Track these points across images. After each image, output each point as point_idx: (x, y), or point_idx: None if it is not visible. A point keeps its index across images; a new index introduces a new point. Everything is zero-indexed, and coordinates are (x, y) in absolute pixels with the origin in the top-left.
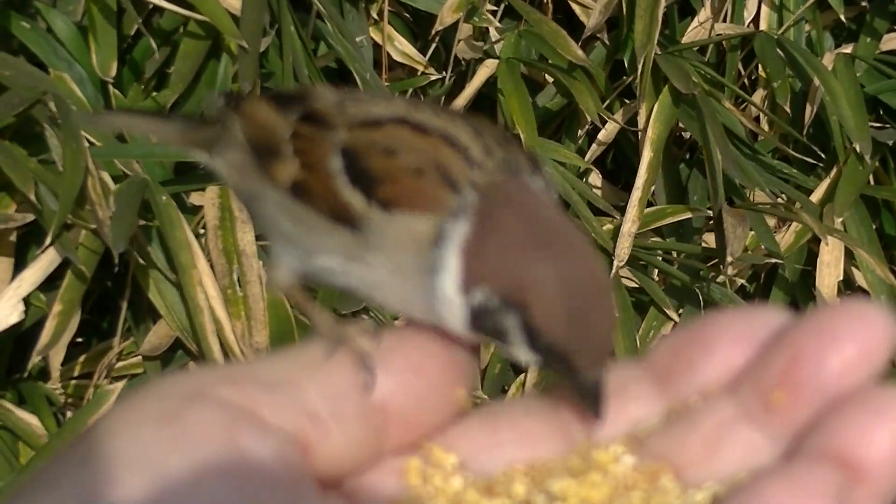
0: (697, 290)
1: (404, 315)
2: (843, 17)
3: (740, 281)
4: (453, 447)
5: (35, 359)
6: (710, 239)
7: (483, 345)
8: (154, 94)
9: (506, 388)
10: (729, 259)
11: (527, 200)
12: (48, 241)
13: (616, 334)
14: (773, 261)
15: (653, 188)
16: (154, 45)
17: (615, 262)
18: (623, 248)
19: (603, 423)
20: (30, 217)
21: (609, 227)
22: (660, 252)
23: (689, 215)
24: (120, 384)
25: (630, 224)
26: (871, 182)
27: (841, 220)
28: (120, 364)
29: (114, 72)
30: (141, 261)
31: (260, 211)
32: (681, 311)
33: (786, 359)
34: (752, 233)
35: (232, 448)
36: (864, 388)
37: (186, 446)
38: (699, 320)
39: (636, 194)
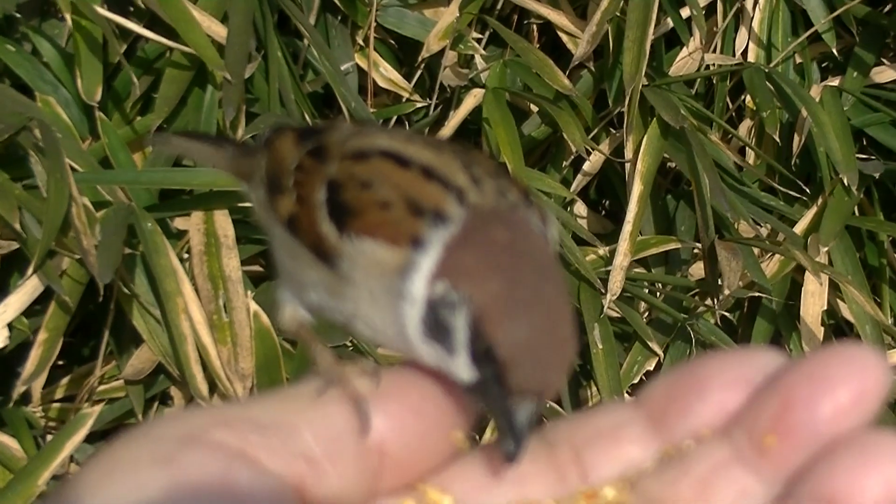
0: (687, 325)
1: (384, 345)
2: (834, 51)
3: (722, 312)
4: (448, 488)
5: (20, 388)
6: (695, 271)
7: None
8: (138, 118)
9: (487, 416)
10: (726, 292)
11: (509, 229)
12: (31, 270)
13: (600, 367)
14: (757, 294)
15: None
16: (134, 77)
17: (608, 297)
18: (616, 283)
19: (516, 466)
20: (13, 246)
21: (592, 256)
22: (645, 283)
23: (673, 245)
24: (98, 407)
25: (622, 258)
26: (856, 213)
27: (826, 250)
28: (102, 387)
29: (99, 96)
30: (125, 289)
31: (271, 245)
32: (667, 344)
33: (779, 403)
34: None
35: (228, 491)
36: (856, 433)
37: (182, 490)
38: (692, 362)
39: (627, 228)
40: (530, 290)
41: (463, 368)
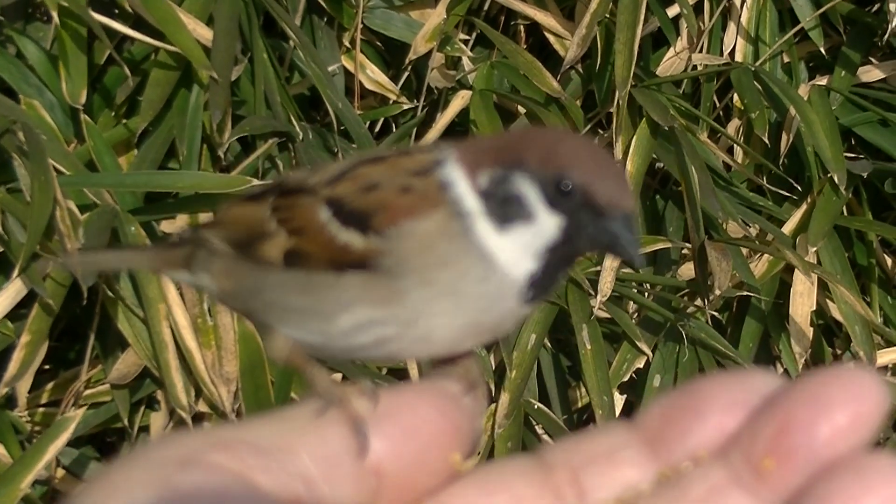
0: (678, 326)
1: (459, 332)
2: (822, 50)
3: (712, 312)
4: None
5: (2, 390)
6: (684, 272)
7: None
8: (125, 121)
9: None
10: (717, 292)
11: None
12: (16, 273)
13: (589, 368)
14: (746, 294)
15: None
16: (127, 71)
17: (598, 298)
18: (606, 283)
19: (639, 266)
20: None
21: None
22: (634, 284)
23: (662, 245)
24: (80, 411)
25: (612, 258)
26: (845, 213)
27: (815, 250)
28: (88, 392)
29: (84, 99)
30: (109, 293)
31: (259, 304)
32: (656, 343)
33: (776, 426)
34: None
35: None
36: (854, 455)
37: None
38: (690, 384)
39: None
40: (556, 137)
41: (549, 223)
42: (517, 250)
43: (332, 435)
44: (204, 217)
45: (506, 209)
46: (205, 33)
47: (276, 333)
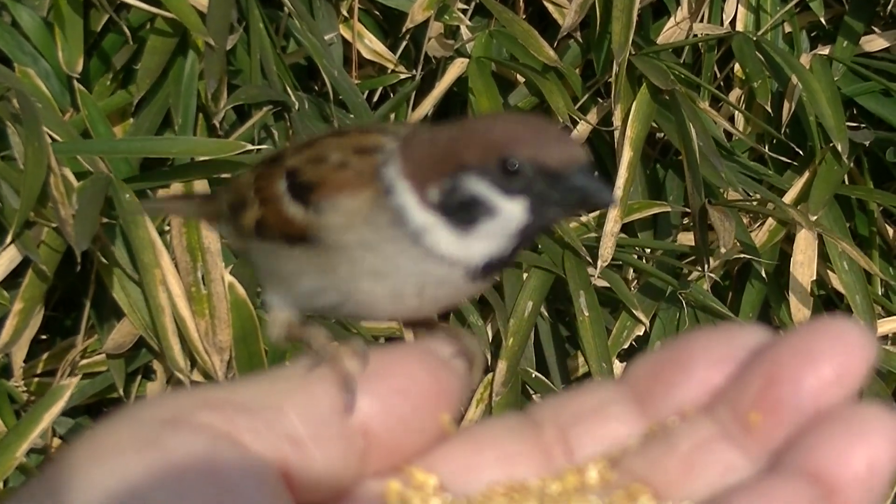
0: (678, 293)
1: (385, 311)
2: (822, 20)
3: (714, 277)
4: (434, 469)
5: None
6: (683, 240)
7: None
8: (120, 90)
9: (472, 387)
10: (723, 250)
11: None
12: (9, 239)
13: (587, 335)
14: (747, 257)
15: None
16: (128, 32)
17: (599, 263)
18: (606, 249)
19: (613, 207)
20: None
21: (575, 224)
22: (634, 250)
23: (657, 210)
24: (75, 379)
25: (612, 224)
26: (846, 182)
27: (815, 218)
28: (84, 361)
29: (80, 67)
30: (104, 259)
31: (251, 264)
32: (656, 310)
33: (763, 379)
34: None
35: (212, 473)
36: (841, 407)
37: (165, 472)
38: (677, 340)
39: (617, 193)
40: (491, 124)
41: (513, 209)
42: (481, 244)
43: (320, 395)
44: (198, 185)
45: (466, 214)
46: (201, 0)
47: (272, 311)
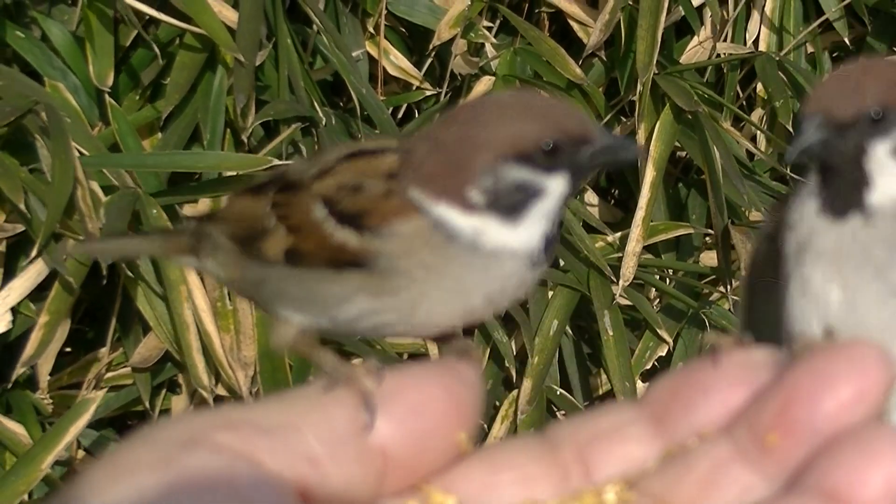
0: (701, 314)
1: (466, 315)
2: (846, 40)
3: (735, 298)
4: (452, 489)
5: (20, 370)
6: (706, 260)
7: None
8: (149, 104)
9: (497, 404)
10: (744, 273)
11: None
12: (35, 251)
13: (611, 354)
14: (769, 279)
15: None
16: (157, 49)
17: (620, 283)
18: (628, 268)
19: (638, 155)
20: (19, 228)
21: (601, 244)
22: (656, 270)
23: (682, 231)
24: (100, 392)
25: (634, 243)
26: None
27: None
28: (109, 374)
29: (111, 81)
30: (130, 273)
31: (264, 294)
32: (679, 330)
33: (781, 400)
34: None
35: (229, 492)
36: (858, 428)
37: (182, 491)
38: (696, 361)
39: (640, 213)
40: (492, 113)
41: (557, 184)
42: (534, 227)
43: (337, 414)
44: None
45: (513, 203)
46: (230, 16)
47: (281, 322)
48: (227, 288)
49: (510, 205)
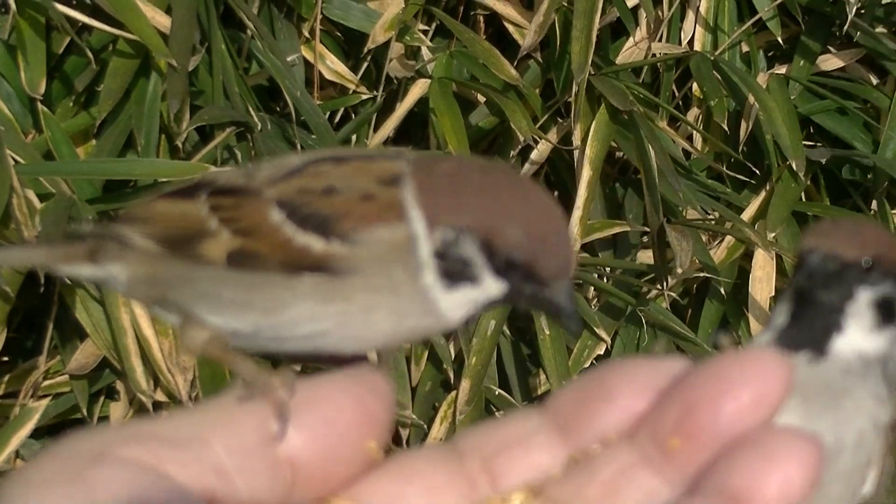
0: (637, 311)
1: (388, 338)
2: (779, 39)
3: (673, 295)
4: (359, 499)
5: None
6: (643, 259)
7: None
8: (82, 112)
9: (436, 405)
10: (679, 270)
11: (444, 161)
12: None
13: (548, 354)
14: (705, 276)
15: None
16: (90, 55)
17: None
18: None
19: (577, 335)
20: None
21: None
22: (594, 269)
23: (617, 230)
24: (43, 402)
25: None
26: (803, 199)
27: (773, 235)
28: (46, 383)
29: (43, 88)
30: (67, 280)
31: (185, 296)
32: (617, 329)
33: (682, 406)
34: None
35: None
36: (758, 431)
37: None
38: (600, 369)
39: (577, 213)
40: (508, 192)
41: (493, 287)
42: (459, 304)
43: (247, 425)
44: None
45: (455, 270)
46: (163, 21)
47: (192, 325)
48: (128, 295)
49: (450, 268)
